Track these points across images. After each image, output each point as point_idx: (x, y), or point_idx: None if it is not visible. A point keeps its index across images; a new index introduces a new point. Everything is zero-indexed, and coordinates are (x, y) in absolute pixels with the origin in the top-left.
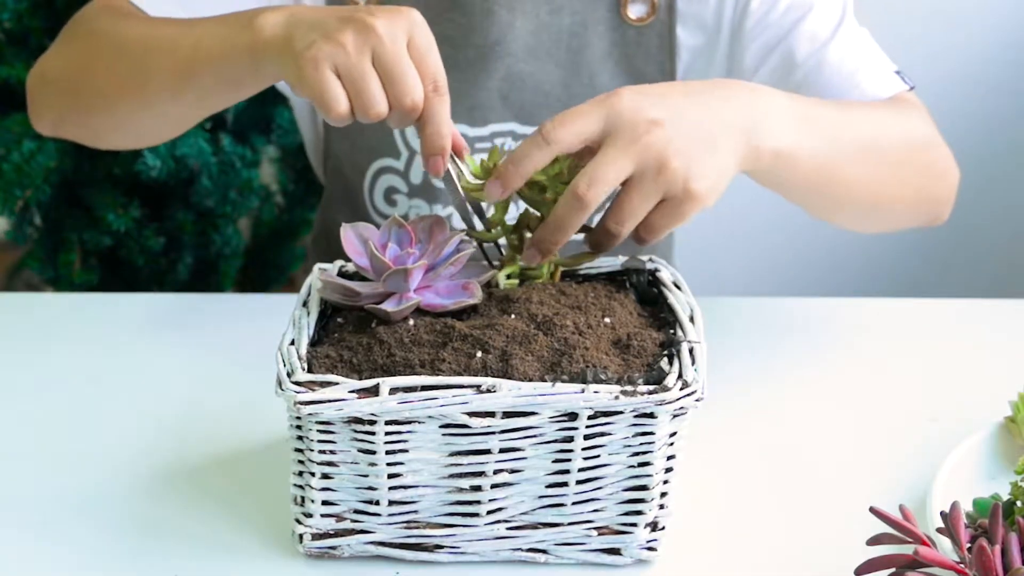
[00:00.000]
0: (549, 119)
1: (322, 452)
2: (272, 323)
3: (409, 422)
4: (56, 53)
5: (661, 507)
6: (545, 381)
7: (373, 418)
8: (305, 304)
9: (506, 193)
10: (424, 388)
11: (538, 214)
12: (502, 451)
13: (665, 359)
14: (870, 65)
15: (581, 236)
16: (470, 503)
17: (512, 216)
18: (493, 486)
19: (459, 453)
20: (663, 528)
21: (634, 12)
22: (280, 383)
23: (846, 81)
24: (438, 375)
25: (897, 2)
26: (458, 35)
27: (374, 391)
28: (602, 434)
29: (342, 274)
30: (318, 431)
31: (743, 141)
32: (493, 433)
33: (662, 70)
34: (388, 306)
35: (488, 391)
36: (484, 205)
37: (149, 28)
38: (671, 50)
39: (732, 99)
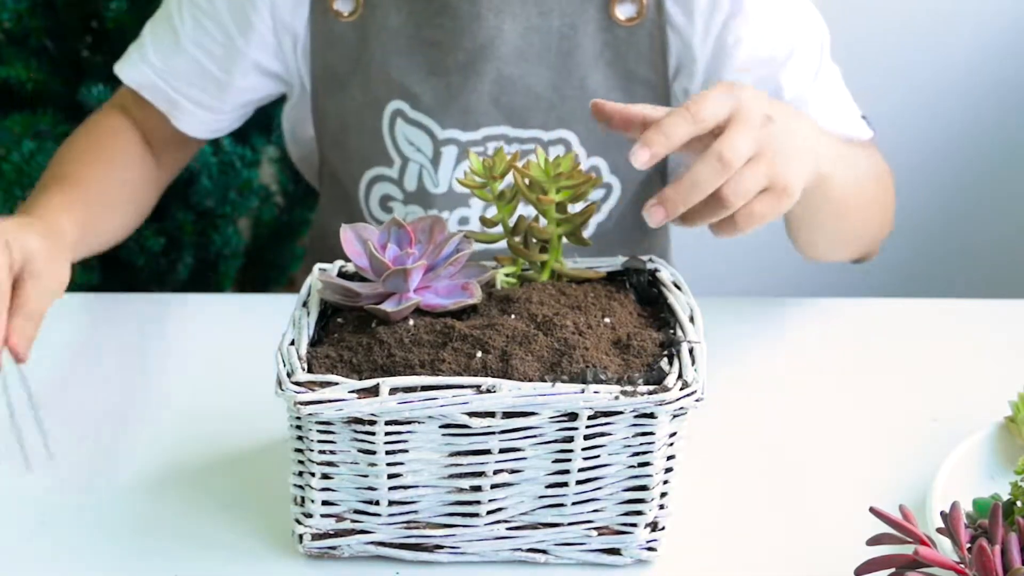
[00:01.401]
0: (688, 103)
1: (322, 452)
2: (272, 323)
3: (409, 422)
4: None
5: (661, 507)
6: (545, 381)
7: (373, 418)
8: (305, 304)
9: (653, 160)
10: (424, 388)
11: (538, 218)
12: (502, 451)
13: (665, 359)
14: (846, 110)
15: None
16: (470, 503)
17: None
18: (493, 486)
19: (459, 453)
20: (663, 528)
21: (622, 13)
22: (280, 383)
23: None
24: (438, 375)
25: (897, 1)
26: (446, 39)
27: (374, 391)
28: (602, 434)
29: (342, 274)
30: (318, 431)
31: (812, 160)
32: (493, 433)
33: (655, 70)
34: (388, 306)
35: (488, 391)
36: (483, 205)
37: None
38: (663, 49)
39: (803, 122)
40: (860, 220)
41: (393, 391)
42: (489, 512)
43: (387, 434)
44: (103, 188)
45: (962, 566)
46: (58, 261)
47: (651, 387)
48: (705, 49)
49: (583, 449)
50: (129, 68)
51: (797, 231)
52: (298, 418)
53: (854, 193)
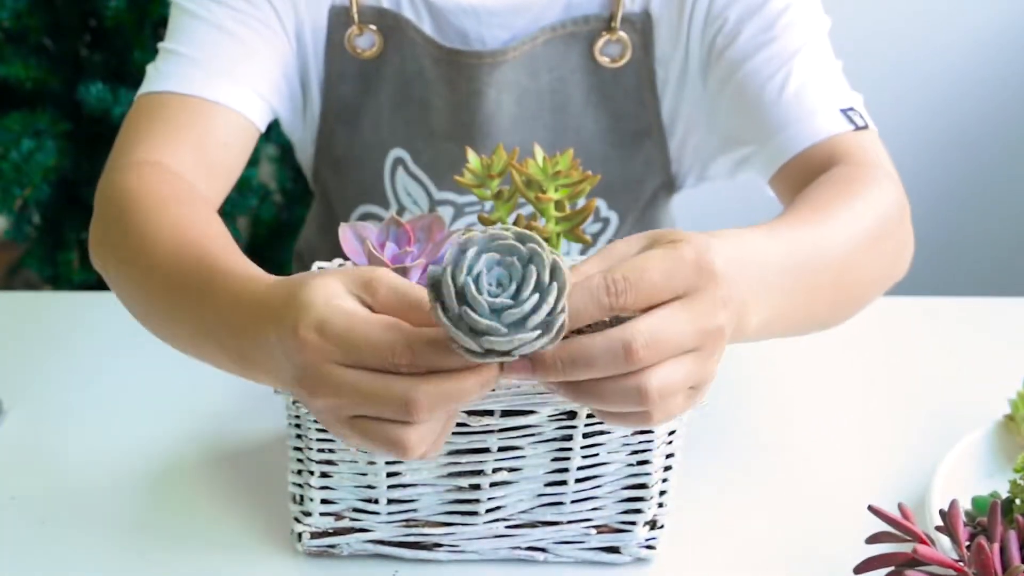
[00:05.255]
0: (621, 267)
1: (321, 451)
2: None
3: None
4: (97, 235)
5: (660, 505)
6: None
7: None
8: None
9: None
10: None
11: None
12: (501, 450)
13: None
14: (812, 103)
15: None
16: (469, 502)
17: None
18: (492, 484)
19: (458, 452)
20: (662, 526)
21: (607, 55)
22: None
23: (783, 118)
24: None
25: (897, 1)
26: (447, 108)
27: None
28: (601, 432)
29: None
30: (317, 430)
31: (734, 324)
32: (492, 432)
33: (644, 107)
34: None
35: None
36: (489, 205)
37: (164, 279)
38: (652, 87)
39: (738, 272)
40: (842, 308)
41: None
42: (488, 510)
43: None
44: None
45: (961, 564)
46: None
47: None
48: (692, 54)
49: (582, 447)
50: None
51: None
52: (297, 416)
53: (825, 295)
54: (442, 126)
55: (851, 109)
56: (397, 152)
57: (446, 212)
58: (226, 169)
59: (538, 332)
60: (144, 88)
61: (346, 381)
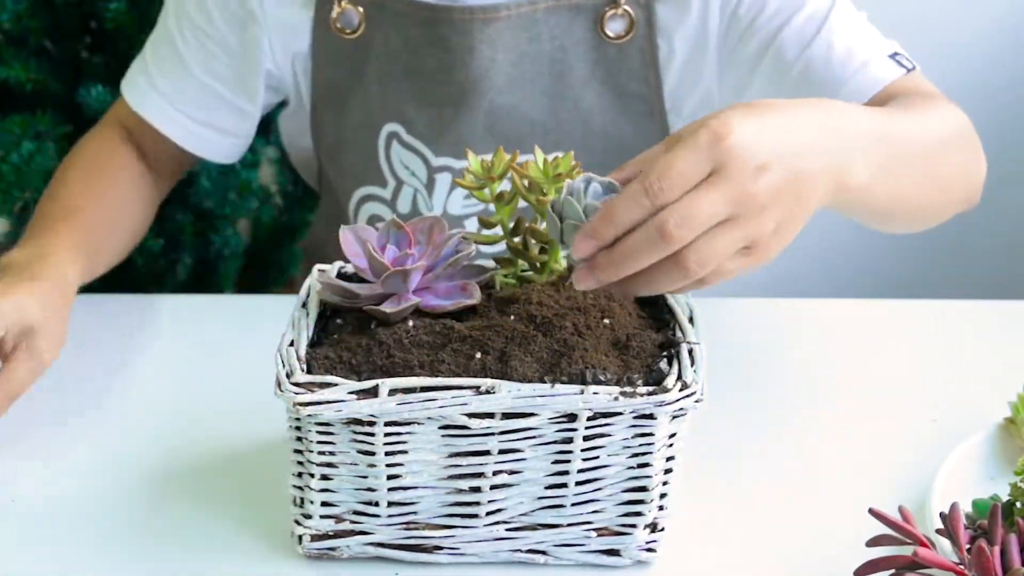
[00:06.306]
0: (652, 171)
1: (321, 453)
2: (271, 324)
3: (408, 423)
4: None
5: (660, 508)
6: (544, 382)
7: (372, 419)
8: (304, 305)
9: (597, 249)
10: (423, 389)
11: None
12: (501, 452)
13: (664, 360)
14: (863, 55)
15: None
16: (469, 504)
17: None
18: (492, 487)
19: (458, 454)
20: (662, 529)
21: (612, 29)
22: (279, 384)
23: (838, 74)
24: (437, 376)
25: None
26: (439, 71)
27: (373, 392)
28: (601, 435)
29: (341, 275)
30: (317, 432)
31: (832, 182)
32: (492, 434)
33: (647, 84)
34: (387, 307)
35: (487, 392)
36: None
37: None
38: (655, 64)
39: (828, 131)
40: (935, 196)
41: (392, 392)
42: (488, 513)
43: (386, 435)
44: (105, 214)
45: (962, 567)
46: (57, 327)
47: (650, 388)
48: (710, 36)
49: (582, 450)
50: (139, 96)
51: (861, 223)
52: (297, 419)
53: (915, 178)
54: (435, 90)
55: (897, 54)
56: (390, 127)
57: (444, 178)
58: (161, 166)
59: None
60: (131, 88)
61: None
